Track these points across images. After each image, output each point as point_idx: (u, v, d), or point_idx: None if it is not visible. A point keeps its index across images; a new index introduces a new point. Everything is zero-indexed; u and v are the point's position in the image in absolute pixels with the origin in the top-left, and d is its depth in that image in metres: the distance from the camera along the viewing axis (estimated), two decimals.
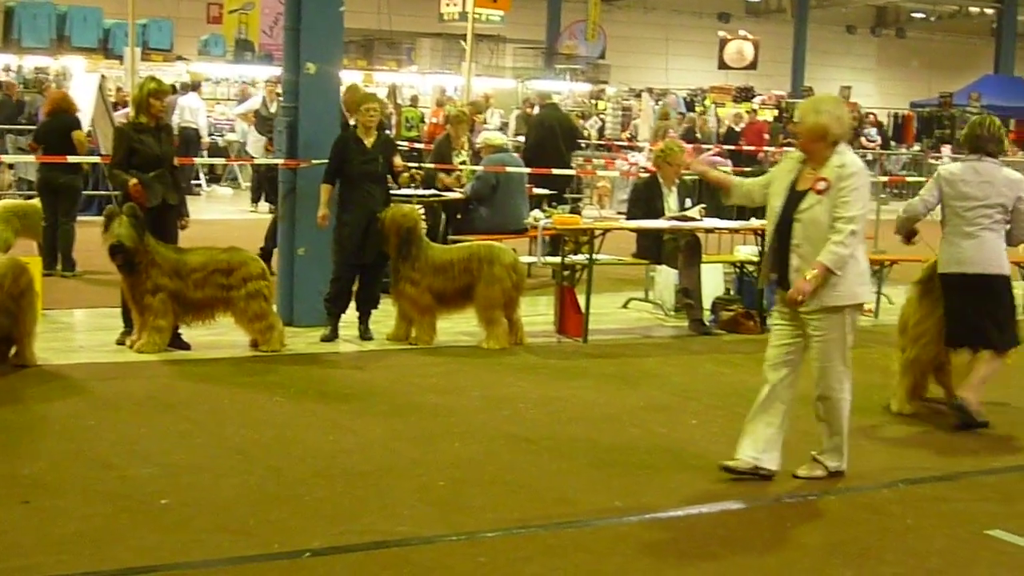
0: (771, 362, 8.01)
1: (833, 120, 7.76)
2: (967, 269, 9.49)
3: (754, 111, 36.12)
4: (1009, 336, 9.62)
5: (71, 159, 15.17)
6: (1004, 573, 6.62)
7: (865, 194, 7.85)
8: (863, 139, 35.77)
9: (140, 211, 10.94)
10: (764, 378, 8.01)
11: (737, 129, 34.29)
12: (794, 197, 7.86)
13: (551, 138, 19.07)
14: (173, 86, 29.25)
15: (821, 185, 7.75)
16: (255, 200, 24.89)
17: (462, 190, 15.81)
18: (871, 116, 38.58)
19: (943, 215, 9.72)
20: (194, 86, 30.08)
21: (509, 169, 15.91)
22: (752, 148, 31.51)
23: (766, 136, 33.37)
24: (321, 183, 12.05)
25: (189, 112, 27.78)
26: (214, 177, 29.43)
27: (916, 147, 38.84)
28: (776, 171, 8.25)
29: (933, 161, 32.25)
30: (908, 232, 10.01)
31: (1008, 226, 9.55)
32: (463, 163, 16.26)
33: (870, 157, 32.62)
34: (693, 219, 13.31)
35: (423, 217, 13.07)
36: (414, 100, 34.09)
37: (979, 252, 9.47)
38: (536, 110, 20.50)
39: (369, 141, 12.02)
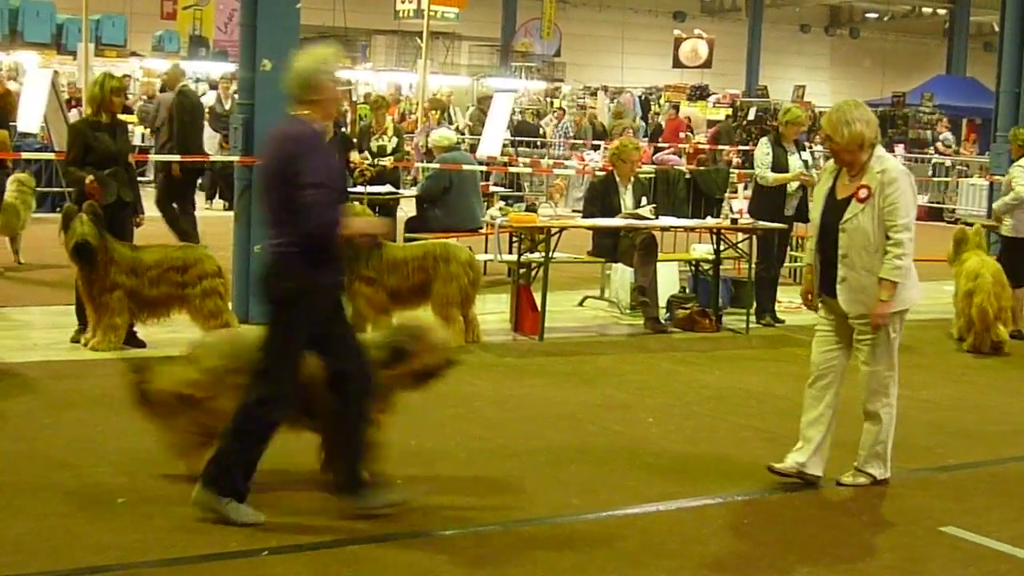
0: (818, 368, 8.00)
1: (865, 126, 7.75)
2: None
3: (675, 108, 36.10)
4: None
5: None
6: (957, 569, 6.67)
7: (912, 197, 7.82)
8: (819, 137, 35.88)
9: (99, 208, 10.90)
10: (811, 383, 8.01)
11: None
12: (835, 206, 7.87)
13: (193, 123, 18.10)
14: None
15: (863, 193, 7.74)
16: (209, 197, 24.82)
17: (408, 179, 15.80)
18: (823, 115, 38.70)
19: None
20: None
21: (464, 167, 15.92)
22: (667, 144, 31.29)
23: (683, 135, 33.26)
24: None
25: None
26: None
27: None
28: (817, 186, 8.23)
29: None
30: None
31: None
32: (382, 147, 16.22)
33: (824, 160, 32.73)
34: (647, 217, 13.35)
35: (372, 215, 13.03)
36: (367, 97, 34.03)
37: None
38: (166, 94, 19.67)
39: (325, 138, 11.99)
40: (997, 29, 20.86)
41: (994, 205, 13.77)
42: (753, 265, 13.84)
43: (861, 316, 7.79)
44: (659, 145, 29.94)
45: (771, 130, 14.73)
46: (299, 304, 6.85)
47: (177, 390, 7.43)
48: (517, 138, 30.54)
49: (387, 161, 16.18)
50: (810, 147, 17.10)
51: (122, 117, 12.30)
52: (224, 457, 6.91)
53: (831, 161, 8.14)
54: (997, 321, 12.78)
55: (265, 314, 7.01)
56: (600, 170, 17.79)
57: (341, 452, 7.20)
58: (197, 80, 32.02)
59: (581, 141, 32.34)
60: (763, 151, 13.94)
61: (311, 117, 6.93)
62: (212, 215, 23.03)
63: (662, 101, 39.39)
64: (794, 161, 13.78)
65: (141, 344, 11.37)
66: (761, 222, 13.58)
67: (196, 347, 7.66)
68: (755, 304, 14.06)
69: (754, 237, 13.72)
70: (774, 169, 13.74)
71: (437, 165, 15.77)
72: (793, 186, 13.77)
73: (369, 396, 7.15)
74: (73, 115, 22.10)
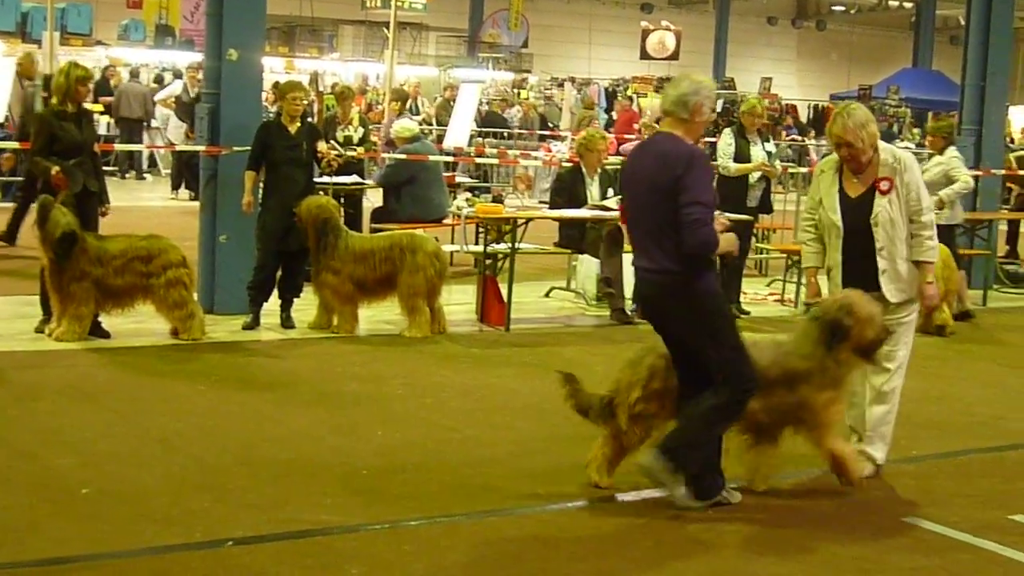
0: None
1: (875, 124, 7.88)
2: None
3: (629, 100, 36.10)
4: None
5: None
6: (920, 559, 6.70)
7: (920, 175, 8.04)
8: (783, 132, 35.96)
9: (72, 199, 10.87)
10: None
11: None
12: (855, 206, 7.87)
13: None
14: (135, 72, 29.14)
15: (885, 185, 7.79)
16: (175, 187, 24.73)
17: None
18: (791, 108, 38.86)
19: None
20: (133, 73, 29.74)
21: (430, 158, 15.91)
22: (617, 136, 31.19)
23: (636, 125, 33.21)
24: (245, 170, 11.99)
25: (132, 98, 27.50)
26: (132, 164, 29.12)
27: None
28: (819, 187, 8.11)
29: None
30: None
31: None
32: (348, 137, 16.19)
33: (790, 151, 32.80)
34: (613, 208, 13.36)
35: (340, 206, 12.99)
36: (334, 88, 33.93)
37: None
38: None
39: (293, 128, 11.98)
40: (963, 23, 20.96)
41: (942, 194, 13.88)
42: (718, 257, 13.84)
43: (905, 303, 7.93)
44: (626, 136, 29.85)
45: (735, 122, 14.75)
46: (714, 308, 7.17)
47: (610, 397, 7.68)
48: (485, 129, 30.48)
49: (357, 151, 16.14)
50: (777, 142, 17.12)
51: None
52: (689, 437, 7.15)
53: (826, 160, 8.16)
54: (943, 302, 12.91)
55: (696, 332, 7.14)
56: (567, 161, 17.79)
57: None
58: (163, 69, 31.85)
59: (527, 131, 32.34)
60: (726, 142, 14.00)
61: (683, 136, 7.18)
62: (177, 205, 22.99)
63: (629, 92, 39.42)
64: (756, 152, 13.83)
65: (106, 335, 11.32)
66: (726, 213, 13.57)
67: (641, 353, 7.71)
68: None
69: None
70: (736, 160, 13.79)
71: (403, 156, 15.73)
72: (755, 177, 13.81)
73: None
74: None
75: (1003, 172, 18.86)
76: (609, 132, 27.86)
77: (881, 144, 7.94)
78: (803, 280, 8.34)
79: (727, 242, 7.25)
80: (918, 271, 7.89)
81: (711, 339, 7.09)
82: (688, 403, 7.23)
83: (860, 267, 7.83)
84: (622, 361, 7.75)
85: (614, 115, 34.78)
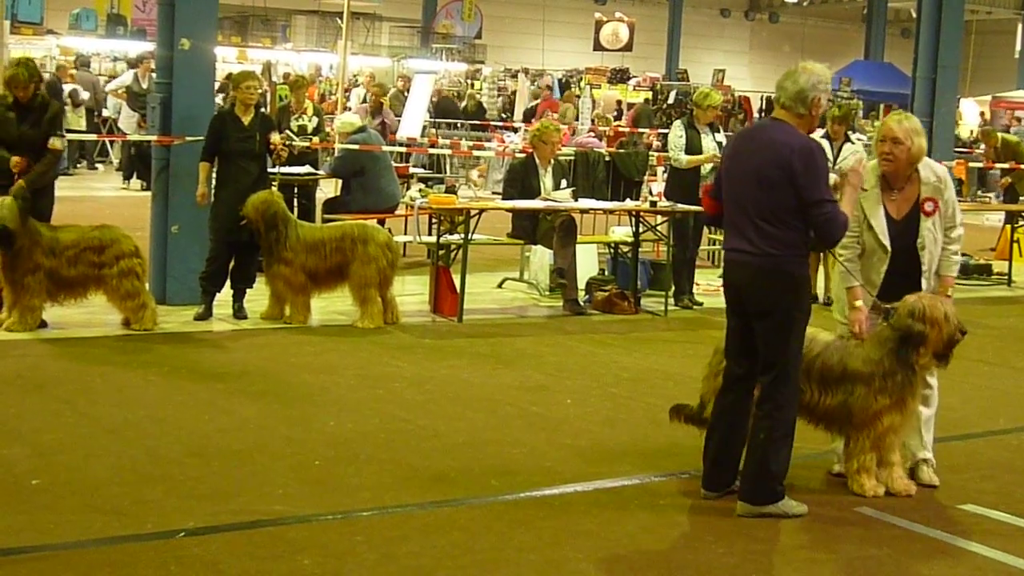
0: None
1: (924, 138, 7.79)
2: None
3: (549, 89, 36.13)
4: None
5: None
6: (871, 548, 6.75)
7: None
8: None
9: (26, 192, 10.79)
10: None
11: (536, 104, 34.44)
12: (902, 229, 7.75)
13: None
14: (85, 61, 28.93)
15: (930, 207, 7.70)
16: (127, 177, 24.60)
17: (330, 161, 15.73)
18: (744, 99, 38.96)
19: None
20: (83, 62, 29.56)
21: (383, 148, 15.89)
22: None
23: (554, 115, 33.23)
24: (199, 161, 11.95)
25: (83, 88, 27.34)
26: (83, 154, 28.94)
27: None
28: (859, 201, 7.75)
29: None
30: None
31: None
32: (302, 126, 16.15)
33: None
34: (566, 200, 13.39)
35: (291, 196, 12.95)
36: (287, 78, 33.82)
37: None
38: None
39: (247, 119, 11.95)
40: (914, 15, 21.09)
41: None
42: (671, 248, 13.93)
43: None
44: (577, 127, 29.87)
45: (686, 113, 14.80)
46: (803, 301, 7.18)
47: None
48: (438, 120, 30.46)
49: (312, 141, 16.10)
50: (728, 133, 17.18)
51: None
52: (762, 469, 7.14)
53: (863, 169, 7.75)
54: None
55: (779, 319, 7.11)
56: (520, 152, 17.80)
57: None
58: (115, 59, 31.67)
59: (459, 121, 32.36)
60: (676, 134, 14.06)
61: (797, 128, 7.15)
62: (129, 195, 22.88)
63: (582, 84, 39.43)
64: (707, 143, 13.89)
65: (43, 324, 11.22)
66: (679, 205, 13.65)
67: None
68: (673, 286, 14.15)
69: (673, 219, 13.81)
70: (688, 152, 13.85)
71: (353, 146, 15.69)
72: (707, 168, 13.87)
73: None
74: None
75: (981, 165, 19.05)
76: (527, 122, 27.98)
77: (924, 160, 7.80)
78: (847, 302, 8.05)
79: (855, 176, 7.37)
80: (939, 284, 7.81)
81: (789, 327, 7.10)
82: (735, 433, 7.33)
83: (901, 286, 7.65)
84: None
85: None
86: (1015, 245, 18.95)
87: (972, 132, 39.08)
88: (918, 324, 7.36)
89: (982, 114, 40.89)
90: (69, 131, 20.49)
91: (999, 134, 23.97)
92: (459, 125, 30.70)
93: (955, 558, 6.72)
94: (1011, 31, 45.24)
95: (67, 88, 26.30)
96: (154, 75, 13.83)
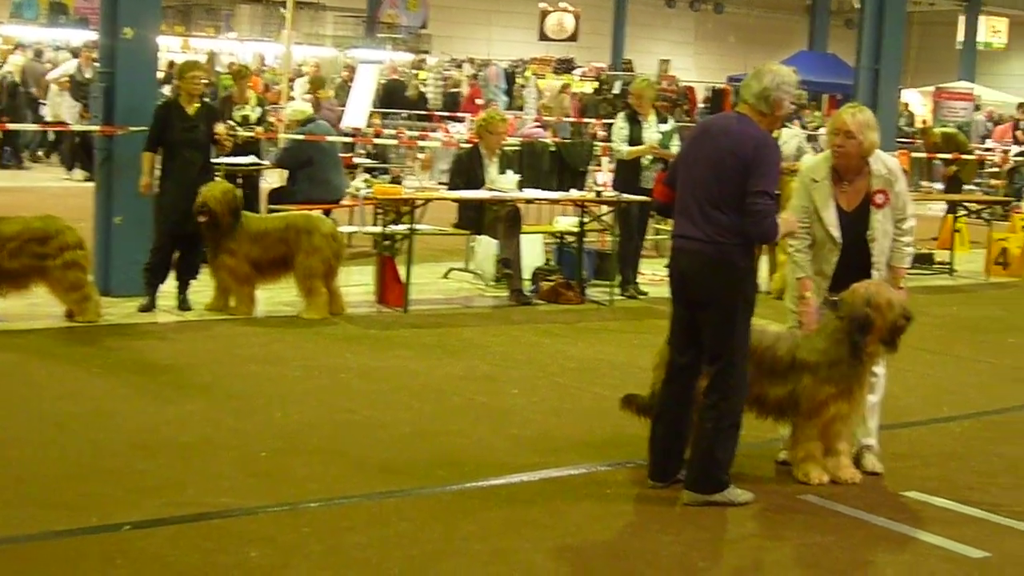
0: None
1: (877, 132, 7.80)
2: None
3: (475, 78, 36.22)
4: None
5: None
6: (815, 536, 6.79)
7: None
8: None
9: None
10: None
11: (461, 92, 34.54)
12: (852, 221, 7.77)
13: None
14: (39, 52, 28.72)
15: (880, 199, 7.73)
16: (69, 168, 24.43)
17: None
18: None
19: None
20: (37, 52, 29.35)
21: (327, 139, 15.84)
22: (463, 116, 31.09)
23: (478, 101, 33.37)
24: (142, 151, 11.87)
25: (33, 79, 27.16)
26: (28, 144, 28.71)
27: None
28: (809, 192, 7.82)
29: None
30: None
31: None
32: (245, 117, 16.09)
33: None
34: (512, 190, 13.39)
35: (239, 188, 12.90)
36: (230, 67, 33.66)
37: None
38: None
39: (192, 109, 11.88)
40: (857, 6, 21.18)
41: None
42: (617, 238, 13.96)
43: None
44: (523, 118, 29.89)
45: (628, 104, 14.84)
46: (747, 291, 7.19)
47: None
48: (384, 110, 30.36)
49: (255, 131, 16.03)
50: (677, 122, 17.22)
51: None
52: (708, 458, 7.17)
53: (815, 167, 7.92)
54: None
55: (723, 309, 7.12)
56: (466, 142, 17.79)
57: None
58: (57, 48, 31.43)
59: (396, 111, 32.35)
60: (619, 126, 14.16)
61: (757, 122, 7.19)
62: (72, 185, 22.70)
63: (527, 74, 39.44)
64: (649, 134, 13.94)
65: None
66: (625, 195, 13.69)
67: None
68: (619, 276, 14.18)
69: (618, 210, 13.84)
70: (629, 143, 13.91)
71: (300, 136, 15.66)
72: (647, 159, 13.93)
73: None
74: None
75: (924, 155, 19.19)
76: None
77: (875, 152, 7.82)
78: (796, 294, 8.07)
79: (787, 226, 7.38)
80: (891, 275, 7.85)
81: (733, 317, 7.13)
82: (680, 423, 7.37)
83: (852, 277, 7.66)
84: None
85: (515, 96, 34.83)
86: (957, 234, 19.10)
87: (925, 122, 39.35)
88: (863, 309, 7.41)
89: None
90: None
91: (936, 130, 24.19)
92: (407, 116, 30.63)
93: (899, 544, 6.77)
94: (953, 22, 45.46)
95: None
96: (97, 64, 13.71)
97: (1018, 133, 32.71)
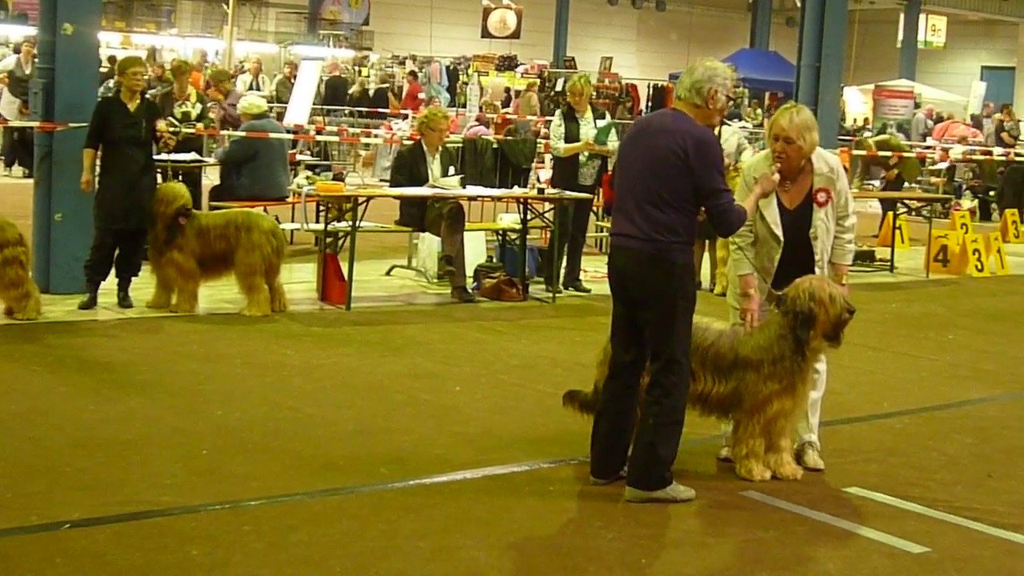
0: None
1: (817, 131, 7.80)
2: None
3: (413, 74, 36.28)
4: None
5: None
6: (758, 531, 6.82)
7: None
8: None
9: None
10: None
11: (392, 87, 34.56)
12: (794, 219, 7.80)
13: None
14: None
15: (822, 197, 7.76)
16: (8, 164, 24.24)
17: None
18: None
19: None
20: None
21: (271, 135, 15.79)
22: (406, 112, 31.12)
23: (420, 96, 33.42)
24: (83, 147, 11.79)
25: None
26: None
27: None
28: (751, 190, 7.73)
29: None
30: None
31: None
32: (186, 113, 16.02)
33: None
34: (454, 187, 13.39)
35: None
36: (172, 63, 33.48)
37: None
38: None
39: (133, 105, 11.81)
40: (799, 4, 21.30)
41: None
42: (558, 235, 13.99)
43: None
44: (465, 115, 29.89)
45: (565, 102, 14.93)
46: (687, 288, 7.22)
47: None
48: (327, 107, 30.32)
49: (196, 127, 15.96)
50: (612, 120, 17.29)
51: None
52: (650, 454, 7.17)
53: (755, 165, 7.94)
54: None
55: (662, 307, 7.14)
56: (408, 139, 17.77)
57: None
58: None
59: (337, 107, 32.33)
60: (555, 123, 14.26)
61: (694, 119, 7.18)
62: (11, 182, 22.54)
63: (470, 71, 39.44)
64: (586, 130, 14.00)
65: None
66: (567, 192, 13.72)
67: None
68: (564, 274, 14.22)
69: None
70: (566, 140, 13.96)
71: (242, 134, 15.59)
72: (585, 155, 14.01)
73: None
74: None
75: (864, 153, 19.27)
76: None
77: (816, 151, 7.84)
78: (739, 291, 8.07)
79: (768, 184, 7.54)
80: (833, 272, 7.90)
81: (673, 314, 7.14)
82: (623, 419, 7.40)
83: (795, 275, 7.66)
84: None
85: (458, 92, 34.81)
86: (897, 231, 19.24)
87: (856, 121, 39.61)
88: (807, 304, 7.45)
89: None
90: None
91: (869, 140, 24.40)
92: (348, 113, 30.58)
93: (840, 540, 6.81)
94: (894, 20, 45.82)
95: None
96: (36, 60, 13.61)
97: (1003, 135, 33.26)
